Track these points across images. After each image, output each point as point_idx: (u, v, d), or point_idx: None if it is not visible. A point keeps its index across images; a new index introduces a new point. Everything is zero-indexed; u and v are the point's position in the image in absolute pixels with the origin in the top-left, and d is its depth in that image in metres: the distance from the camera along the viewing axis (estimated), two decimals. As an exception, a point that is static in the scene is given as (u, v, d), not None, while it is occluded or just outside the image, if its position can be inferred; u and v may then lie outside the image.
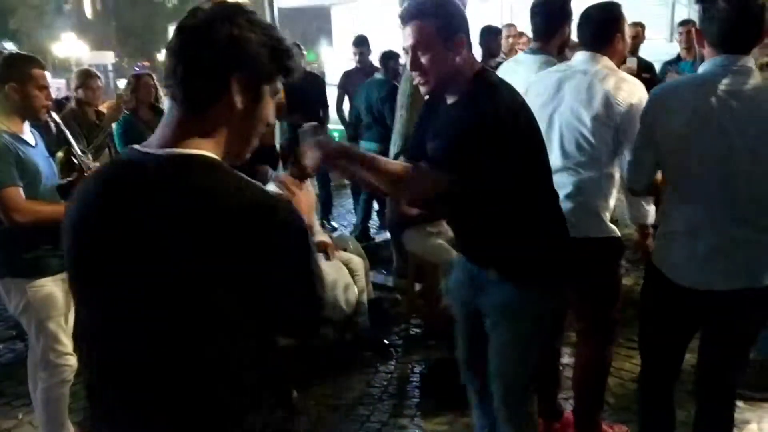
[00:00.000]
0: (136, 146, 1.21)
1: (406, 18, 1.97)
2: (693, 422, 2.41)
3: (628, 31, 6.32)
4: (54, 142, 3.12)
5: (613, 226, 2.67)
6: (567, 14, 3.11)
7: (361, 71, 6.52)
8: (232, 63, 1.17)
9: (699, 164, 2.08)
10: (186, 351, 1.15)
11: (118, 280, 1.15)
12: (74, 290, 1.27)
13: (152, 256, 1.12)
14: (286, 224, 1.16)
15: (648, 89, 2.41)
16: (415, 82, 2.08)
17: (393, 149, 5.04)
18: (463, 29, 1.99)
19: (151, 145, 1.20)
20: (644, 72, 5.97)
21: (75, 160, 2.92)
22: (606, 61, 2.60)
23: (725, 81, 2.03)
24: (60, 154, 3.08)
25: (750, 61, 2.06)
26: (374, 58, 6.61)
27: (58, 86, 12.85)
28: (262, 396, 1.23)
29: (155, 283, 1.12)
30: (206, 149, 1.18)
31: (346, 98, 6.67)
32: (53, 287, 2.77)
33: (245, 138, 1.26)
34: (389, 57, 6.04)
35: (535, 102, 2.61)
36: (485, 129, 1.88)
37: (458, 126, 1.96)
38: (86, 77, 4.83)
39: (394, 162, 2.24)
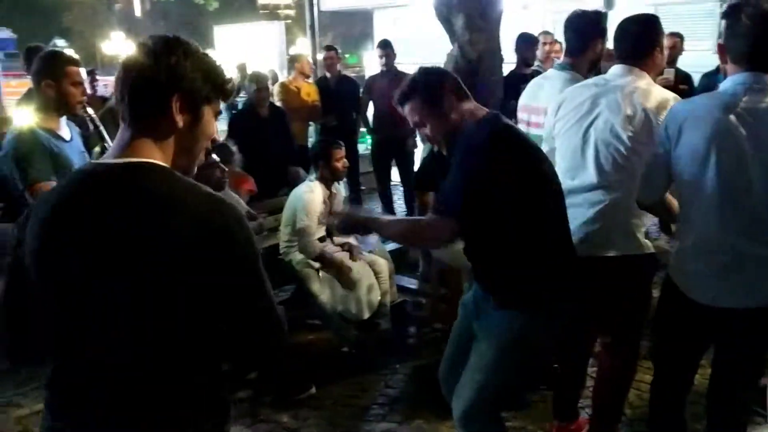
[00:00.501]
0: (93, 160, 1.36)
1: (399, 104, 2.29)
2: None
3: (665, 42, 6.27)
4: (91, 137, 3.24)
5: (647, 242, 2.64)
6: (600, 31, 3.09)
7: (386, 75, 6.47)
8: (170, 86, 1.30)
9: (714, 181, 2.06)
10: (142, 345, 1.27)
11: (77, 275, 1.26)
12: (33, 284, 1.33)
13: (108, 255, 1.23)
14: (232, 224, 1.28)
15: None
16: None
17: (423, 153, 5.08)
18: (448, 88, 2.24)
19: (107, 158, 1.35)
20: (682, 83, 5.90)
21: None
22: (643, 76, 2.55)
23: (745, 99, 2.01)
24: (96, 149, 3.20)
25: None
26: (416, 63, 6.62)
27: (105, 83, 13.15)
28: (205, 401, 1.37)
29: (113, 279, 1.24)
30: (154, 157, 1.31)
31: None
32: None
33: (189, 153, 1.39)
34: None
35: (569, 117, 2.62)
36: (481, 167, 2.09)
37: (457, 167, 2.16)
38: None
39: (402, 220, 2.88)
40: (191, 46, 1.35)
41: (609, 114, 2.52)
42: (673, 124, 2.16)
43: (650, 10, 14.26)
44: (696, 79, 5.96)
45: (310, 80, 7.00)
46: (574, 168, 2.61)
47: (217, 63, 1.38)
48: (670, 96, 2.53)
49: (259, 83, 5.43)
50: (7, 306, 1.42)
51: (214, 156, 3.57)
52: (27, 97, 4.35)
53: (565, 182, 2.48)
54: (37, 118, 2.75)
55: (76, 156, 2.85)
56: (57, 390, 1.36)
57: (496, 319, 2.26)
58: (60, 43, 24.96)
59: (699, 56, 6.50)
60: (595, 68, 3.16)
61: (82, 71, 2.85)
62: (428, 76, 2.27)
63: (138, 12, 43.06)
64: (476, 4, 5.18)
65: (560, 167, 2.59)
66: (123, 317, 1.25)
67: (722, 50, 2.11)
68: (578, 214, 2.52)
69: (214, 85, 1.37)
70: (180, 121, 1.32)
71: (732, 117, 2.00)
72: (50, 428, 1.37)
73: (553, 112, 2.77)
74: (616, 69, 2.62)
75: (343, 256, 4.12)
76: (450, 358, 2.54)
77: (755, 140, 1.98)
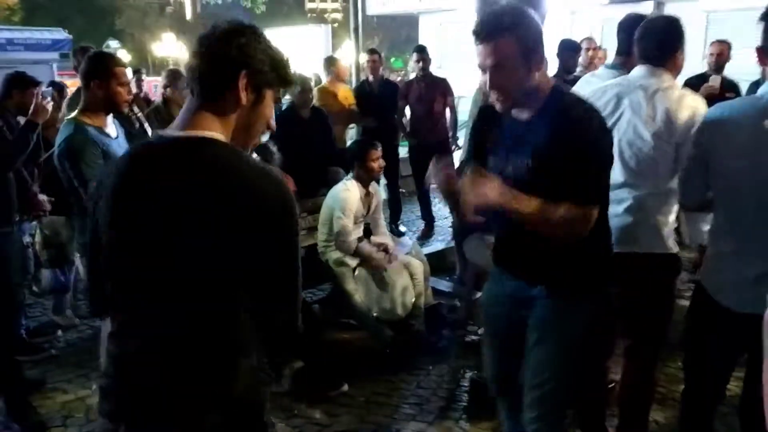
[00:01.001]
0: (159, 131, 1.49)
1: (483, 35, 1.91)
2: None
3: (712, 49, 6.15)
4: (136, 135, 3.36)
5: (672, 243, 2.64)
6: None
7: (422, 80, 6.53)
8: (239, 63, 1.41)
9: (751, 188, 2.05)
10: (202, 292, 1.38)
11: (147, 238, 1.39)
12: (107, 242, 1.47)
13: (171, 217, 1.35)
14: (287, 200, 1.39)
15: None
16: (491, 99, 2.03)
17: (461, 157, 5.11)
18: (541, 43, 1.95)
19: (172, 128, 1.45)
20: (728, 91, 5.79)
21: None
22: (666, 76, 2.57)
23: None
24: None
25: None
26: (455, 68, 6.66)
27: (156, 83, 13.49)
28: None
29: (177, 239, 1.35)
30: (215, 131, 1.41)
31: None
32: None
33: (248, 130, 1.49)
34: None
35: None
36: (588, 138, 1.91)
37: (556, 139, 1.92)
38: (174, 77, 5.14)
39: (546, 207, 1.98)
40: (260, 32, 1.46)
41: (632, 114, 2.55)
42: (710, 128, 2.16)
43: (702, 18, 13.95)
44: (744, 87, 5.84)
45: (346, 84, 7.08)
46: None
47: (282, 53, 1.49)
48: (693, 96, 2.55)
49: (303, 85, 5.53)
50: (90, 265, 1.65)
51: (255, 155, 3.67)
52: (76, 96, 4.52)
53: None
54: (86, 116, 2.86)
55: (121, 153, 2.95)
56: (117, 341, 1.49)
57: (553, 308, 2.14)
58: (113, 44, 25.70)
59: (754, 65, 6.38)
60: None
61: (129, 72, 2.95)
62: (532, 21, 1.92)
63: (189, 15, 44.00)
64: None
65: None
66: (185, 274, 1.37)
67: (761, 53, 2.09)
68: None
69: (278, 71, 1.47)
70: (244, 98, 1.42)
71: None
72: (107, 379, 1.51)
73: None
74: (639, 70, 2.64)
75: (380, 256, 4.18)
76: (501, 360, 2.43)
77: None
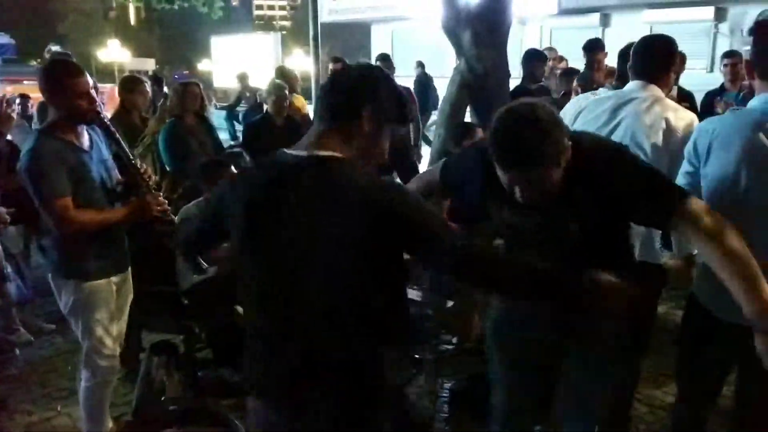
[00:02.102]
0: (286, 150, 1.63)
1: (521, 166, 1.76)
2: None
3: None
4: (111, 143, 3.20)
5: (662, 253, 2.70)
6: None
7: None
8: (368, 96, 1.60)
9: (745, 199, 2.06)
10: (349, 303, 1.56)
11: (283, 245, 1.56)
12: (242, 260, 1.66)
13: (304, 228, 1.53)
14: (399, 195, 1.57)
15: None
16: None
17: (429, 164, 5.12)
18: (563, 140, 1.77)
19: (299, 147, 1.62)
20: (684, 101, 5.97)
21: (126, 161, 3.02)
22: (658, 91, 2.63)
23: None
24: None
25: None
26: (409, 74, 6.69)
27: (102, 90, 13.15)
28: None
29: (308, 249, 1.54)
30: (340, 152, 1.57)
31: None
32: (104, 289, 2.85)
33: (366, 156, 1.64)
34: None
35: (588, 126, 2.66)
36: (627, 164, 1.86)
37: (600, 189, 1.82)
38: (135, 83, 5.00)
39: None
40: (387, 74, 1.68)
41: (629, 123, 2.59)
42: (703, 142, 2.17)
43: (646, 30, 14.47)
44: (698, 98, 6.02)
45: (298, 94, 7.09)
46: None
47: (403, 94, 1.70)
48: (684, 109, 2.62)
49: (278, 92, 5.48)
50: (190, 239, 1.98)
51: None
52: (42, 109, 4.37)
53: None
54: (57, 127, 2.72)
55: (95, 164, 2.80)
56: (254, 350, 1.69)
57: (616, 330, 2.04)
58: (55, 48, 24.95)
59: (695, 75, 6.59)
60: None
61: (89, 80, 2.78)
62: (551, 128, 1.72)
63: (133, 20, 43.10)
64: (484, 19, 5.24)
65: None
66: (315, 284, 1.54)
67: (750, 67, 2.12)
68: None
69: (400, 110, 1.67)
70: (367, 126, 1.59)
71: (761, 135, 2.00)
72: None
73: (570, 123, 2.80)
74: (633, 84, 2.69)
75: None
76: (525, 384, 2.24)
77: None
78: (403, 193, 1.60)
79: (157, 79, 9.30)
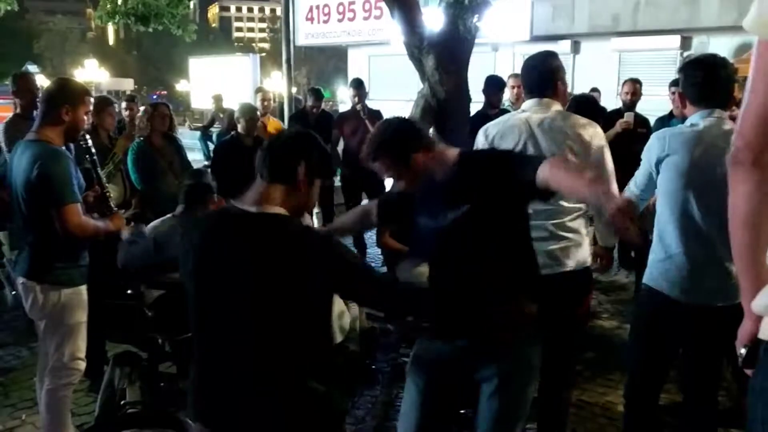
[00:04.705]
0: (234, 203, 1.88)
1: (371, 160, 2.30)
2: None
3: (626, 87, 6.62)
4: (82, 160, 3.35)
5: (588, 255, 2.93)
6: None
7: (357, 113, 6.69)
8: (302, 157, 1.88)
9: (695, 196, 2.47)
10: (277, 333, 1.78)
11: (226, 289, 1.79)
12: (188, 294, 1.88)
13: (249, 275, 1.77)
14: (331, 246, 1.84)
15: (644, 143, 2.75)
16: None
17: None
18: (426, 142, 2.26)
19: (246, 202, 1.85)
20: (640, 127, 6.22)
21: (96, 179, 3.17)
22: (557, 105, 2.87)
23: (710, 128, 2.50)
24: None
25: (724, 113, 2.55)
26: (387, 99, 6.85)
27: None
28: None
29: (255, 292, 1.76)
30: (281, 208, 1.84)
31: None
32: (84, 294, 3.02)
33: (301, 207, 1.94)
34: None
35: (501, 146, 2.86)
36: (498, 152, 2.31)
37: (480, 174, 2.14)
38: (105, 104, 5.13)
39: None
40: (315, 136, 1.96)
41: (549, 144, 2.78)
42: (656, 152, 2.57)
43: (614, 57, 14.78)
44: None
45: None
46: None
47: (327, 151, 2.02)
48: (587, 120, 2.88)
49: (249, 114, 5.64)
50: None
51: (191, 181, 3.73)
52: (11, 123, 4.48)
53: None
54: (53, 140, 2.87)
55: (77, 176, 2.96)
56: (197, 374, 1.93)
57: (516, 354, 2.19)
58: (32, 68, 24.88)
59: (661, 101, 6.84)
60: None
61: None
62: (395, 132, 2.25)
63: (111, 41, 43.09)
64: (446, 46, 5.47)
65: None
66: (245, 321, 1.78)
67: (682, 97, 2.62)
68: (537, 237, 2.73)
69: (325, 165, 1.98)
70: (302, 184, 1.86)
71: (705, 144, 2.45)
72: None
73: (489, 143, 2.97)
74: (530, 103, 2.91)
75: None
76: (430, 408, 2.29)
77: (719, 158, 2.25)
78: (333, 244, 1.87)
79: (131, 99, 9.41)
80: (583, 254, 2.87)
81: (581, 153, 2.75)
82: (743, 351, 1.33)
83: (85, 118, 2.96)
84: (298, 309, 1.77)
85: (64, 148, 2.90)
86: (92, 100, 3.00)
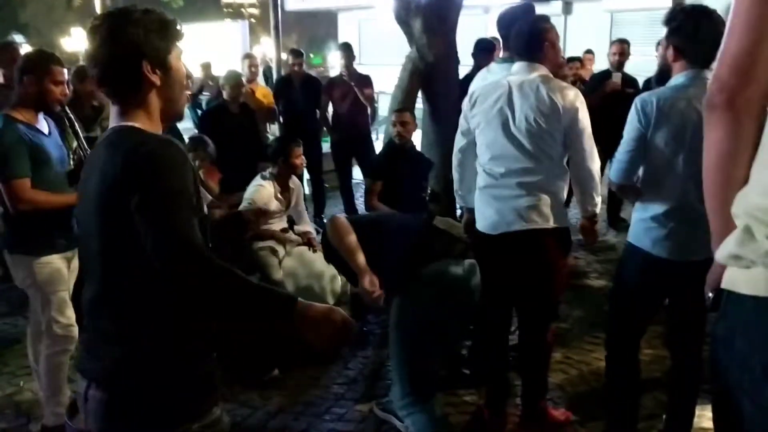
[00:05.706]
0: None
1: None
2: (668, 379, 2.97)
3: (614, 48, 6.59)
4: (67, 134, 3.36)
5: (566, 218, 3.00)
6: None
7: (347, 78, 6.69)
8: (136, 56, 1.52)
9: (682, 161, 2.50)
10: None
11: (85, 210, 1.61)
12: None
13: (94, 195, 1.53)
14: (155, 157, 1.48)
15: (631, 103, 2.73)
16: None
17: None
18: None
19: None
20: (628, 87, 6.24)
21: (81, 151, 3.19)
22: (542, 69, 2.89)
23: (694, 88, 2.46)
24: (74, 143, 3.34)
25: (709, 74, 2.43)
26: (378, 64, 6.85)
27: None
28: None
29: (100, 210, 1.53)
30: (140, 122, 1.56)
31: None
32: (59, 264, 3.04)
33: (175, 100, 1.64)
34: None
35: (486, 112, 2.93)
36: None
37: None
38: (86, 73, 5.09)
39: None
40: (134, 14, 1.52)
41: (523, 106, 2.83)
42: (646, 113, 2.55)
43: (606, 16, 14.65)
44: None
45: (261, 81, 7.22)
46: (500, 157, 2.90)
47: (163, 15, 1.57)
48: (567, 85, 2.92)
49: (234, 80, 5.63)
50: None
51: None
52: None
53: (493, 170, 2.90)
54: (17, 111, 2.88)
55: (55, 149, 2.98)
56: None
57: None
58: (17, 38, 24.53)
59: (654, 62, 6.82)
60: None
61: (65, 71, 2.98)
62: None
63: (98, 8, 42.32)
64: (434, 8, 5.44)
65: (485, 157, 2.95)
66: (96, 245, 1.57)
67: (677, 52, 2.53)
68: (509, 195, 2.88)
69: (170, 35, 1.58)
70: (156, 80, 1.55)
71: (693, 103, 2.43)
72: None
73: (468, 109, 3.05)
74: (518, 66, 2.95)
75: (303, 249, 4.40)
76: None
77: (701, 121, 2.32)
78: (161, 167, 1.47)
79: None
80: (554, 213, 2.90)
81: (550, 115, 2.79)
82: (710, 295, 1.36)
83: (54, 87, 2.91)
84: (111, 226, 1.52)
85: (18, 123, 2.86)
86: (63, 69, 2.95)
